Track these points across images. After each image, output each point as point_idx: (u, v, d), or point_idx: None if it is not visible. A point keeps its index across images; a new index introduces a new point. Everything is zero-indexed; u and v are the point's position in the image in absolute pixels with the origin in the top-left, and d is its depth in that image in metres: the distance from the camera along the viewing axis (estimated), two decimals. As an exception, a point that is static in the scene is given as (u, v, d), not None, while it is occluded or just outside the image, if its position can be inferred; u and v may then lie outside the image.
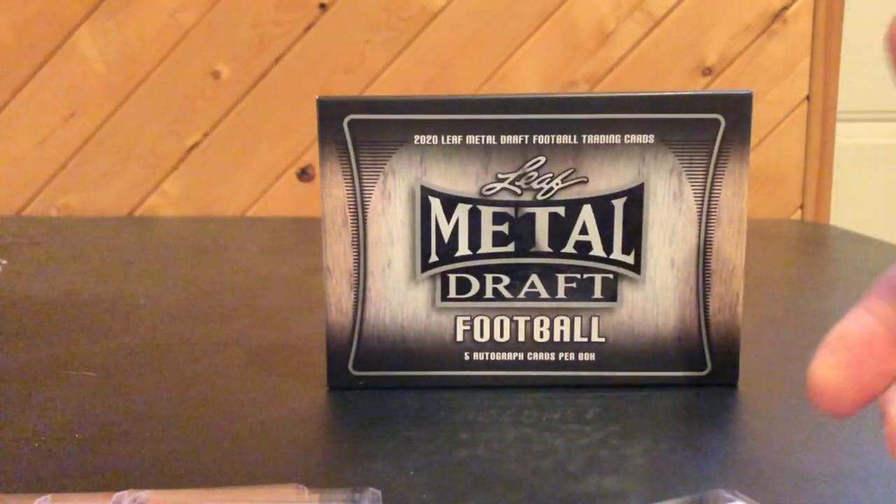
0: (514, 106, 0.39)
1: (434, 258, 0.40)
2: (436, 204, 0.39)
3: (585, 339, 0.41)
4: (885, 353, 0.23)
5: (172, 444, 0.35)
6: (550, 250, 0.40)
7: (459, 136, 0.39)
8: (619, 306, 0.40)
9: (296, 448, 0.35)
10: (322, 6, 0.99)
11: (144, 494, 0.28)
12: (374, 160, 0.39)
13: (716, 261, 0.40)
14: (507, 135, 0.39)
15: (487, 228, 0.40)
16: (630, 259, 0.40)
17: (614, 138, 0.39)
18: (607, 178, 0.39)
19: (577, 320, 0.40)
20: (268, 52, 0.99)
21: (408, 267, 0.40)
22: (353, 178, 0.39)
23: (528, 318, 0.40)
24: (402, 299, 0.40)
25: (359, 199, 0.39)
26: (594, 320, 0.40)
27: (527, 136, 0.39)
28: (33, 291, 0.61)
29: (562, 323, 0.40)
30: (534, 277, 0.40)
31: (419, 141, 0.39)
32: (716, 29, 1.01)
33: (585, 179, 0.39)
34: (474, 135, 0.39)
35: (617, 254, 0.40)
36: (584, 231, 0.40)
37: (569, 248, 0.40)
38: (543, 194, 0.39)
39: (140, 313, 0.55)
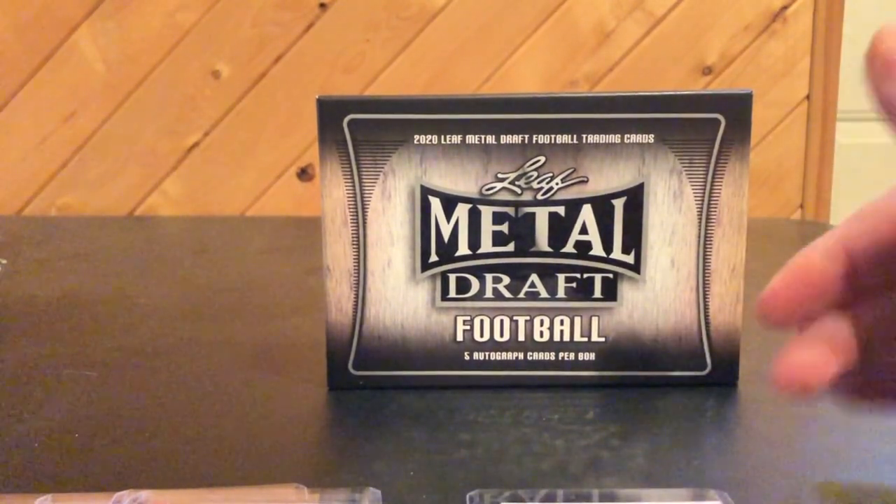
0: (514, 106, 0.39)
1: (434, 258, 0.40)
2: (436, 203, 0.39)
3: (585, 339, 0.41)
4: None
5: (172, 444, 0.35)
6: (550, 250, 0.40)
7: (459, 136, 0.39)
8: (619, 306, 0.40)
9: (296, 448, 0.35)
10: (322, 6, 0.99)
11: (144, 494, 0.28)
12: (374, 160, 0.39)
13: (716, 261, 0.40)
14: (507, 134, 0.39)
15: (487, 228, 0.40)
16: (630, 259, 0.40)
17: (614, 138, 0.39)
18: (607, 177, 0.39)
19: (577, 320, 0.40)
20: (268, 52, 0.99)
21: (408, 267, 0.40)
22: (353, 178, 0.39)
23: (528, 318, 0.40)
24: (402, 299, 0.40)
25: (359, 199, 0.39)
26: (594, 320, 0.40)
27: (527, 136, 0.39)
28: (33, 291, 0.61)
29: (562, 323, 0.40)
30: (534, 277, 0.40)
31: (419, 141, 0.39)
32: (716, 28, 1.01)
33: (585, 179, 0.39)
34: (474, 134, 0.39)
35: (617, 253, 0.40)
36: (584, 231, 0.40)
37: (569, 247, 0.40)
38: (543, 194, 0.39)
39: (140, 313, 0.55)
